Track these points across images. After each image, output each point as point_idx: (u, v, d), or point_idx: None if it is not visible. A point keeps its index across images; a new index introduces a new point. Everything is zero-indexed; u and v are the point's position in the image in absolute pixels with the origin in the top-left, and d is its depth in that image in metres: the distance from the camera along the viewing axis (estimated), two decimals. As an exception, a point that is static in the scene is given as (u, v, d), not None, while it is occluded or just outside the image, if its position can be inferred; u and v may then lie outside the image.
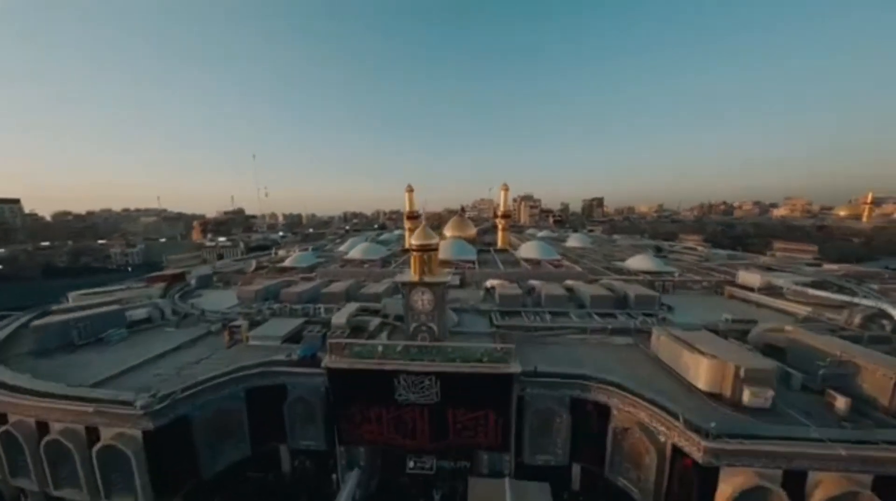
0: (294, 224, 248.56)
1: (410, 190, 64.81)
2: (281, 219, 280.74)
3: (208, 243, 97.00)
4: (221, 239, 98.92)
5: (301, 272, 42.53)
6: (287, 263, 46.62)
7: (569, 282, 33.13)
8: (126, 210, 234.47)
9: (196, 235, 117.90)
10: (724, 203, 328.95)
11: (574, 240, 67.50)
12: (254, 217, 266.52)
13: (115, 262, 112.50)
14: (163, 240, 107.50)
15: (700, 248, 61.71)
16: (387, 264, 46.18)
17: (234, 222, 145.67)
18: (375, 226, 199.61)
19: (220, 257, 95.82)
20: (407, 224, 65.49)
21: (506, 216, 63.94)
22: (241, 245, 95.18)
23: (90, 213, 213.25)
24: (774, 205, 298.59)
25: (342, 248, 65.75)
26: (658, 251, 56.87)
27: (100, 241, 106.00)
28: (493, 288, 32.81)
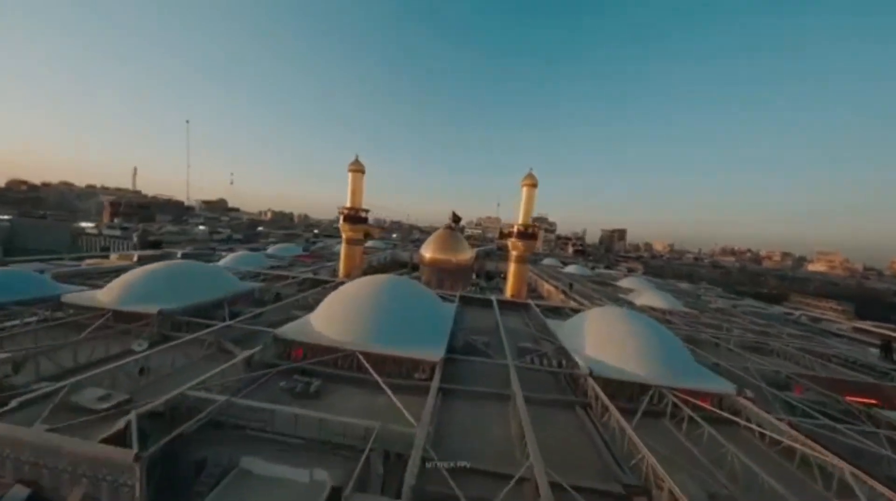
0: (276, 223, 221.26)
1: (357, 169, 35.16)
2: (269, 215, 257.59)
3: (89, 230, 67.48)
4: (86, 224, 69.32)
5: None
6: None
7: None
8: (91, 186, 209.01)
9: (106, 218, 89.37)
10: (749, 250, 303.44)
11: (647, 293, 37.05)
12: (235, 209, 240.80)
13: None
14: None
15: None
16: (218, 312, 15.53)
17: (164, 208, 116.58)
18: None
19: (106, 249, 66.40)
20: (345, 229, 35.49)
21: (527, 235, 33.77)
22: (135, 237, 65.51)
23: (45, 185, 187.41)
24: (804, 258, 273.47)
25: (223, 262, 35.72)
26: (890, 351, 25.60)
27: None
28: None
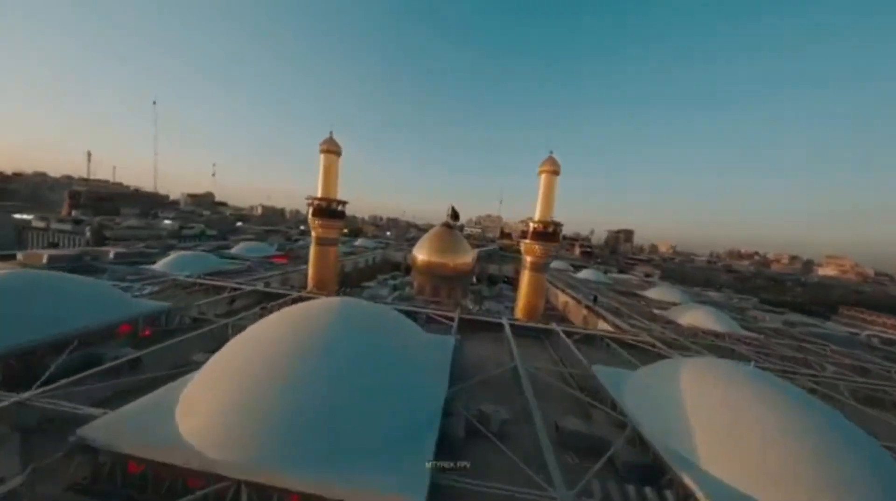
0: (265, 219, 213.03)
1: (331, 149, 27.76)
2: (259, 211, 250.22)
3: (36, 223, 60.13)
4: (29, 216, 61.98)
5: None
6: None
7: None
8: (67, 177, 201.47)
9: (65, 210, 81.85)
10: (757, 253, 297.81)
11: (689, 310, 29.74)
12: (223, 204, 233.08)
13: None
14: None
15: None
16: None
17: (135, 200, 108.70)
18: (346, 230, 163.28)
19: (54, 245, 59.25)
20: (314, 226, 28.17)
21: (546, 235, 26.44)
22: (88, 232, 58.22)
23: (17, 175, 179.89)
24: (812, 262, 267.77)
25: (160, 264, 28.31)
26: None
27: None
28: None
